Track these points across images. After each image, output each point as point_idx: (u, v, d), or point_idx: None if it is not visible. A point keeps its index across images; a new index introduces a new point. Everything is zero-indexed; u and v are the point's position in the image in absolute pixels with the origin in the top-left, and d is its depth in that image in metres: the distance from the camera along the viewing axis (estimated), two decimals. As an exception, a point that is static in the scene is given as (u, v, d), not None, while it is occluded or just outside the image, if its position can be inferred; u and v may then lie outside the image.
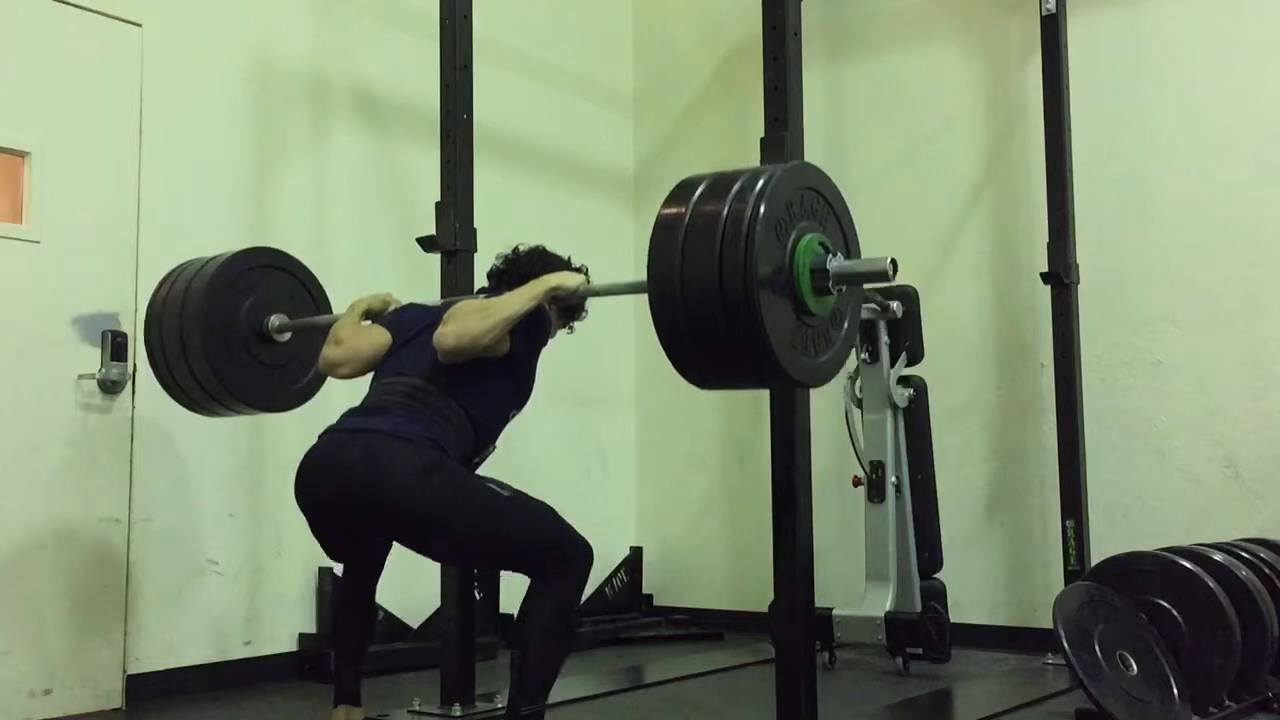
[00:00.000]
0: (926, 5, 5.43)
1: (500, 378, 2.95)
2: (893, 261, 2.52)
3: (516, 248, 3.22)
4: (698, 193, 2.48)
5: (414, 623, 4.65)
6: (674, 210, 2.49)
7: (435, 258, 3.87)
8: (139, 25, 4.13)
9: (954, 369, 5.05)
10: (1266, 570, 3.73)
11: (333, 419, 2.97)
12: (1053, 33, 4.73)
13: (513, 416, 3.07)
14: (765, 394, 3.14)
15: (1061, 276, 4.64)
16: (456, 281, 3.78)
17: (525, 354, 2.99)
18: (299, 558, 4.48)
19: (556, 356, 5.26)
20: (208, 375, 3.44)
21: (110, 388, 3.95)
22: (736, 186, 2.43)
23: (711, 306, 2.38)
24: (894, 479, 4.51)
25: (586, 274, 3.14)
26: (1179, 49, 4.73)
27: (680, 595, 5.90)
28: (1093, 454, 4.64)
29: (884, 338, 4.54)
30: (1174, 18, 4.74)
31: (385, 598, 4.36)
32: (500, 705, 3.43)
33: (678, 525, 5.95)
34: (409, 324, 3.10)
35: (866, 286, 4.52)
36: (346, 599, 3.15)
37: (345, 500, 2.81)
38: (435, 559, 3.03)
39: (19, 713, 3.68)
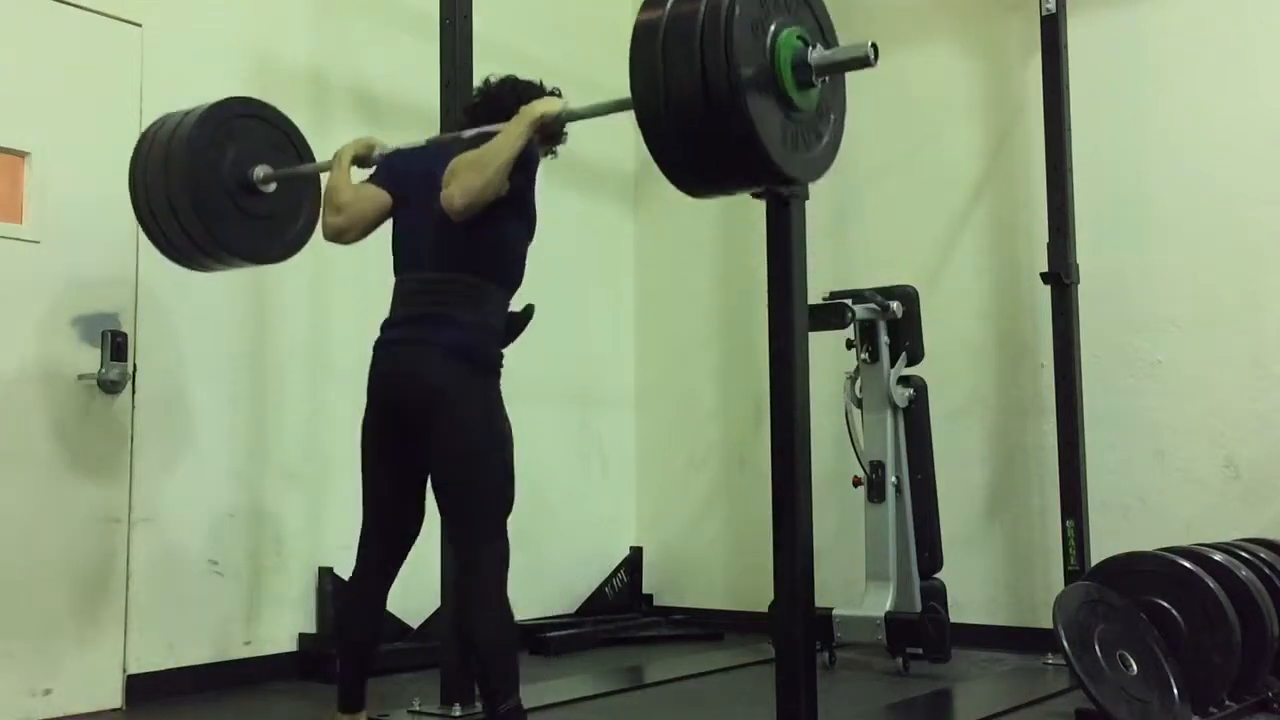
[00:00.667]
0: (926, 5, 5.43)
1: (506, 220, 2.99)
2: (873, 45, 2.50)
3: (488, 79, 3.23)
4: None
5: (414, 623, 4.64)
6: (651, 15, 2.45)
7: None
8: (139, 25, 4.13)
9: (954, 369, 5.05)
10: (1266, 570, 3.73)
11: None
12: (1053, 33, 4.73)
13: (528, 246, 3.12)
14: (765, 396, 3.12)
15: (1061, 276, 4.63)
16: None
17: (524, 187, 3.02)
18: (299, 558, 4.48)
19: (558, 357, 5.31)
20: (200, 230, 3.44)
21: (110, 388, 3.95)
22: None
23: (698, 114, 2.36)
24: (894, 479, 4.51)
25: (561, 95, 3.17)
26: (1179, 49, 4.73)
27: (680, 595, 5.90)
28: (1093, 454, 4.64)
29: (884, 338, 4.54)
30: (1174, 18, 4.75)
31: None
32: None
33: (678, 525, 5.95)
34: (404, 179, 3.11)
35: (866, 286, 4.58)
36: (358, 599, 3.06)
37: (402, 402, 2.91)
38: (448, 469, 2.92)
39: (19, 713, 3.68)
